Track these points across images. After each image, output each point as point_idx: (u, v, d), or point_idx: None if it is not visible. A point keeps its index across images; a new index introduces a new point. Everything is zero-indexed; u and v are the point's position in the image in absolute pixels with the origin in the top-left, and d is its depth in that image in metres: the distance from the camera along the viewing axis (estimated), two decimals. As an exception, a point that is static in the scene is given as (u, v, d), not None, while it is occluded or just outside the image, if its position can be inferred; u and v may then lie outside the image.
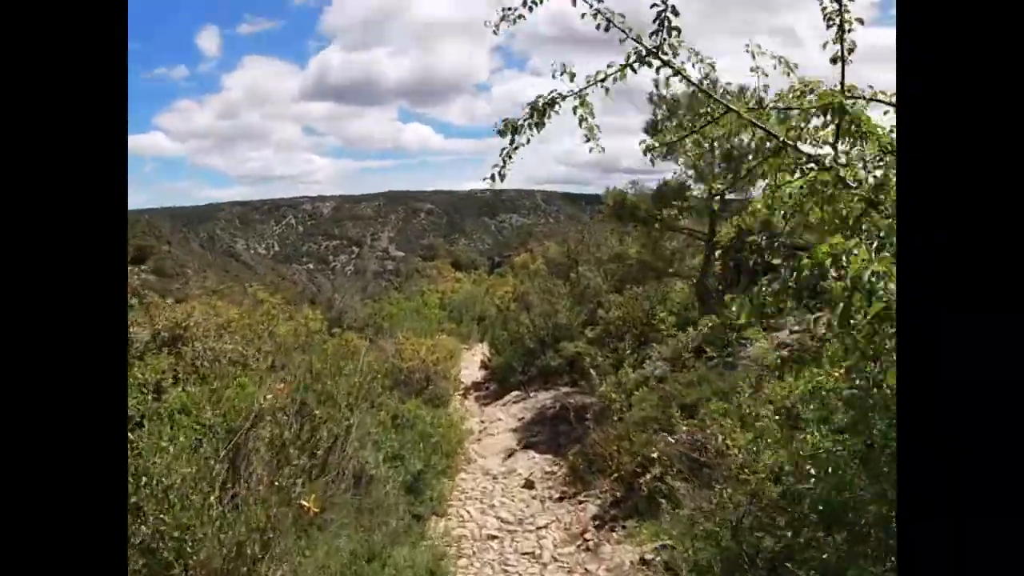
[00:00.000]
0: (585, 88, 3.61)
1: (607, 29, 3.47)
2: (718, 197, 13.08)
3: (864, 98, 3.56)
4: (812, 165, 3.56)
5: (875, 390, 3.84)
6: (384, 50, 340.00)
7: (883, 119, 3.55)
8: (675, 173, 13.80)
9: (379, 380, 10.22)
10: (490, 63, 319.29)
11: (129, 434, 5.21)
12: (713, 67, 3.59)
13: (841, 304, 2.54)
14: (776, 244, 13.09)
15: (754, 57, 3.75)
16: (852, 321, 2.60)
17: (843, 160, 3.53)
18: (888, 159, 3.54)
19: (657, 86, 13.30)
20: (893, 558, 3.66)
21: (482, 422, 13.50)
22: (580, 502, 9.04)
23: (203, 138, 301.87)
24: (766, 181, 3.94)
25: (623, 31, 3.48)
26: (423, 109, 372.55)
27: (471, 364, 21.55)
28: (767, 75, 3.75)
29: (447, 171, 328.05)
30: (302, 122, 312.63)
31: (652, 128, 13.75)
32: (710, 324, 13.25)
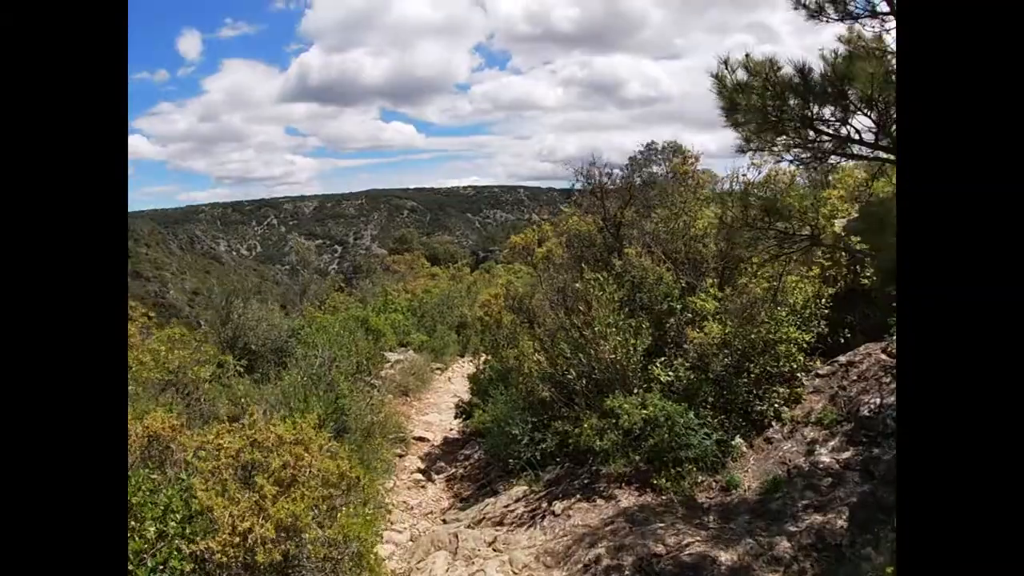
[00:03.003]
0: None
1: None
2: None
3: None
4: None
5: None
6: (364, 50, 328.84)
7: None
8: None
9: None
10: (470, 62, 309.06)
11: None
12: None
13: None
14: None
15: None
16: None
17: None
18: None
19: None
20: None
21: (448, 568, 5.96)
22: None
23: (184, 141, 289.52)
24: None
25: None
26: (404, 108, 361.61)
27: (444, 396, 14.02)
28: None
29: (429, 169, 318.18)
30: (283, 123, 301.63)
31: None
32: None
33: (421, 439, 10.65)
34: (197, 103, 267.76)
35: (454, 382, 15.84)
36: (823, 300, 7.88)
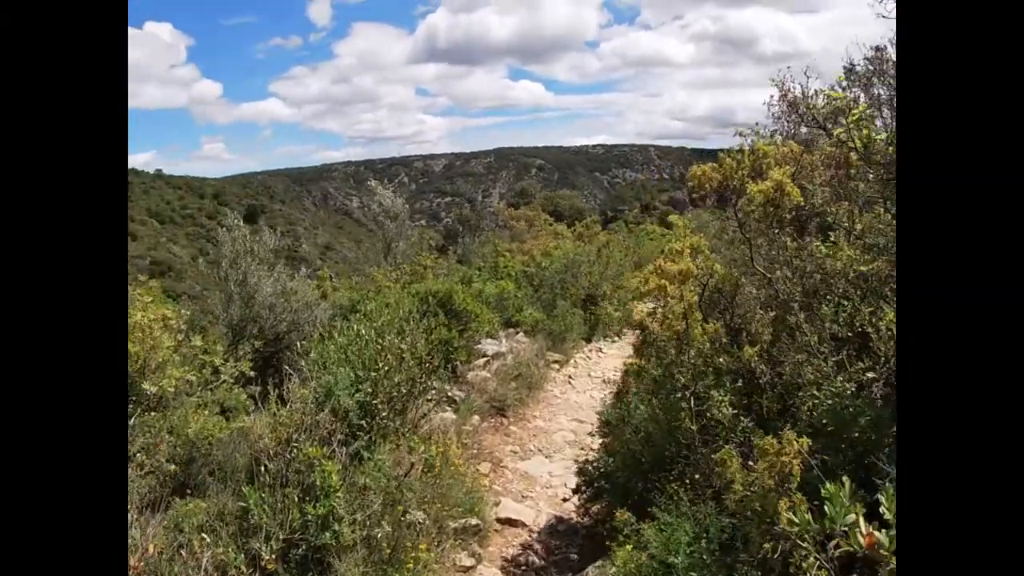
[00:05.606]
0: None
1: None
2: None
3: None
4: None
5: None
6: (490, 9, 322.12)
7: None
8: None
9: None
10: (598, 17, 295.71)
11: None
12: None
13: None
14: None
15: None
16: None
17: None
18: None
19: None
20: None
21: None
22: None
23: (317, 103, 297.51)
24: None
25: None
26: (532, 66, 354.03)
27: (559, 416, 9.26)
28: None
29: (558, 127, 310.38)
30: (413, 84, 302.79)
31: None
32: None
33: (510, 523, 5.94)
34: (330, 67, 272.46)
35: (576, 383, 11.04)
36: None
